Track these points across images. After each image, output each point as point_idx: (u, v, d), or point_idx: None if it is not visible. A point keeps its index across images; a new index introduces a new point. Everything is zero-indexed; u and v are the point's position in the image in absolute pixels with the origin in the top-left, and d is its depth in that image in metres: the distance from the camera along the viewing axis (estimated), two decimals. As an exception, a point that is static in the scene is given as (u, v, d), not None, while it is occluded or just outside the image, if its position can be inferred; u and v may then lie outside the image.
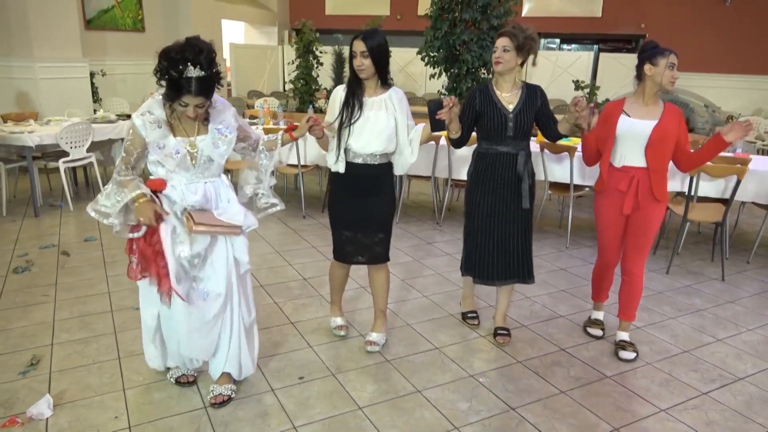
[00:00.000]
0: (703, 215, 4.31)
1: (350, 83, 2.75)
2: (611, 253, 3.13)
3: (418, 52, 6.78)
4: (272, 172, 2.63)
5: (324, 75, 8.65)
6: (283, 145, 2.62)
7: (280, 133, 2.63)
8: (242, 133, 2.51)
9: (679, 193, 4.70)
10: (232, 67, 10.98)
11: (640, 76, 2.86)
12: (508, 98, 2.91)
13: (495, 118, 2.89)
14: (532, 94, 2.94)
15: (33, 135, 5.13)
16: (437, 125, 2.66)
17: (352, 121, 2.73)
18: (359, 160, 2.79)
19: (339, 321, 3.23)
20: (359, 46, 2.64)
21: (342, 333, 3.18)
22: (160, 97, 2.27)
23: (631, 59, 10.20)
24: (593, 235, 5.12)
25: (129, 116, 6.19)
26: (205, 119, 2.35)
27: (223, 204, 2.43)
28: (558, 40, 12.52)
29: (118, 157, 2.32)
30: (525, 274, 3.08)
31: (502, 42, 2.82)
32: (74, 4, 7.31)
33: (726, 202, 4.21)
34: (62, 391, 2.59)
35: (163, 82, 2.16)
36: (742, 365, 3.02)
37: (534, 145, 4.36)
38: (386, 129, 2.74)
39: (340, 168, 2.80)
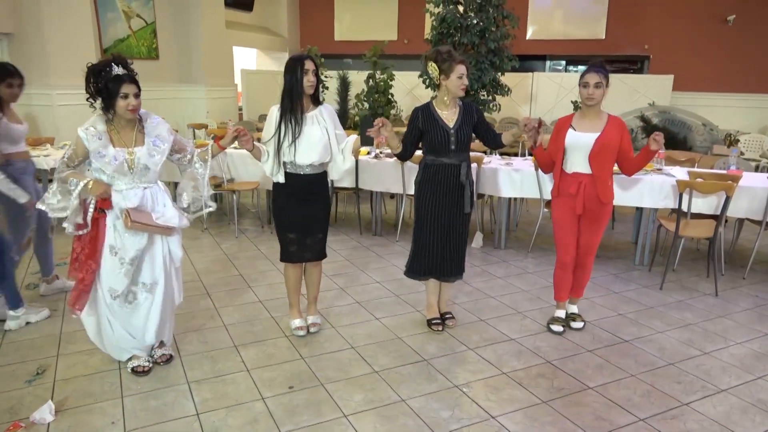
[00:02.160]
0: (695, 231, 4.37)
1: (293, 101, 3.00)
2: (568, 250, 3.41)
3: (420, 75, 6.96)
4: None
5: (330, 98, 8.88)
6: (213, 155, 2.97)
7: (211, 143, 3.00)
8: (178, 145, 2.93)
9: (674, 210, 4.77)
10: (244, 92, 11.30)
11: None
12: (448, 116, 3.23)
13: (438, 135, 3.21)
14: (469, 110, 3.28)
15: (49, 159, 5.38)
16: (366, 140, 3.06)
17: (296, 136, 3.03)
18: (299, 171, 3.11)
19: (297, 322, 3.43)
20: (312, 65, 3.00)
21: (301, 333, 3.40)
22: (101, 113, 2.70)
23: (635, 79, 10.35)
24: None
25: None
26: (142, 131, 2.77)
27: (160, 208, 2.83)
28: (564, 62, 12.68)
29: (59, 162, 2.73)
30: (457, 272, 3.46)
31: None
32: (91, 34, 7.65)
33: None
34: (65, 398, 2.73)
35: (99, 97, 2.65)
36: (726, 377, 3.07)
37: (523, 163, 4.46)
38: (321, 140, 3.08)
39: (281, 179, 3.13)
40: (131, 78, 2.67)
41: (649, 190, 4.62)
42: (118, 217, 2.72)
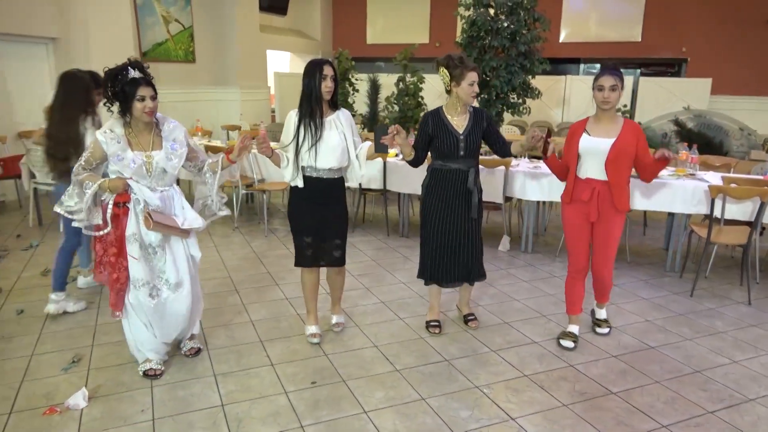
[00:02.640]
0: (728, 238, 4.27)
1: (312, 105, 3.01)
2: (579, 258, 3.31)
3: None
4: (221, 188, 3.13)
5: (359, 101, 8.96)
6: (223, 168, 2.98)
7: (221, 156, 3.00)
8: (191, 153, 2.96)
9: (707, 216, 4.67)
10: (276, 94, 11.49)
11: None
12: (458, 122, 3.22)
13: (447, 141, 3.20)
14: (479, 117, 3.27)
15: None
16: (380, 147, 3.04)
17: (315, 141, 3.03)
18: (316, 174, 3.11)
19: (313, 329, 3.39)
20: (330, 71, 3.00)
21: (315, 341, 3.34)
22: (119, 117, 2.74)
23: (671, 83, 10.14)
24: (619, 257, 5.11)
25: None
26: (159, 135, 2.81)
27: (178, 210, 2.88)
28: (598, 65, 12.47)
29: (75, 165, 2.75)
30: (476, 275, 3.44)
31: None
32: (131, 39, 7.90)
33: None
34: (98, 386, 2.85)
35: (116, 101, 2.68)
36: (756, 387, 3.00)
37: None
38: (339, 145, 3.08)
39: (300, 183, 3.13)
40: (147, 81, 2.70)
41: (682, 195, 4.53)
42: (139, 203, 2.74)
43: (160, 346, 2.99)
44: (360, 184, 5.58)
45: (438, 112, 3.27)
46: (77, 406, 2.66)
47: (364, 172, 3.25)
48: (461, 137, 3.19)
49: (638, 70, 12.27)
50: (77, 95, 3.48)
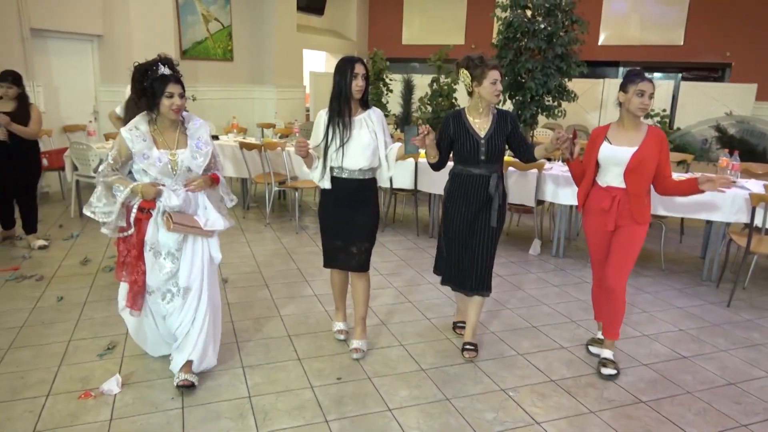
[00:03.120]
0: (769, 248, 4.14)
1: (341, 104, 2.93)
2: (597, 267, 3.22)
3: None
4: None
5: (393, 101, 8.98)
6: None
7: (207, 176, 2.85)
8: (211, 159, 2.85)
9: (747, 225, 4.53)
10: (311, 93, 11.61)
11: (620, 103, 2.97)
12: (480, 124, 3.08)
13: (468, 144, 3.06)
14: (503, 120, 3.11)
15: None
16: (411, 148, 2.89)
17: (344, 141, 2.94)
18: (345, 175, 3.02)
19: (340, 325, 3.41)
20: (362, 69, 2.92)
21: (341, 337, 3.38)
22: (145, 113, 2.71)
23: (714, 88, 9.86)
24: (655, 265, 5.01)
25: (216, 137, 6.78)
26: (184, 133, 2.77)
27: (200, 210, 2.80)
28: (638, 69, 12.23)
29: (103, 165, 2.70)
30: (483, 287, 3.20)
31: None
32: (172, 37, 8.10)
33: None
34: (131, 373, 2.94)
35: (144, 97, 2.63)
36: (794, 402, 2.90)
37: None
38: (370, 145, 2.99)
39: (327, 185, 3.05)
40: (177, 78, 2.65)
41: (721, 203, 4.41)
42: (160, 210, 2.67)
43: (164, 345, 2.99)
44: (391, 184, 5.60)
45: (460, 114, 3.13)
46: (111, 392, 2.75)
47: (393, 174, 3.14)
48: (482, 141, 3.04)
49: (679, 75, 11.97)
50: None
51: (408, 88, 8.71)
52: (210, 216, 2.80)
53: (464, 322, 3.44)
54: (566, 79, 6.50)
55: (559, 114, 6.72)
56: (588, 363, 3.23)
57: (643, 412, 2.76)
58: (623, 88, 2.92)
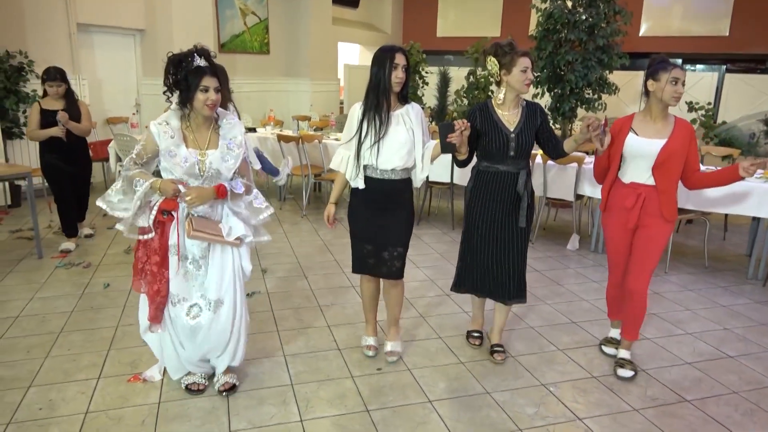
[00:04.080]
0: (821, 246, 3.99)
1: (379, 97, 2.70)
2: (617, 271, 3.06)
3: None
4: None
5: (429, 94, 8.93)
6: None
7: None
8: (243, 165, 2.61)
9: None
10: (346, 86, 11.64)
11: (647, 92, 2.81)
12: (509, 117, 2.86)
13: (497, 139, 2.84)
14: (533, 112, 2.89)
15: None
16: (447, 147, 2.65)
17: (380, 137, 2.72)
18: (378, 175, 2.79)
19: (370, 341, 3.15)
20: (403, 59, 2.67)
21: (371, 353, 3.10)
22: (177, 108, 2.48)
23: (761, 80, 9.52)
24: (698, 262, 4.90)
25: (253, 129, 6.87)
26: (217, 132, 2.54)
27: (224, 217, 2.57)
28: (680, 61, 11.88)
29: (127, 159, 2.51)
30: (517, 294, 3.02)
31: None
32: (211, 30, 8.23)
33: None
34: (176, 359, 3.02)
35: (177, 90, 2.43)
36: None
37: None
38: (406, 143, 2.75)
39: (360, 184, 2.82)
40: (213, 71, 2.42)
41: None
42: (184, 213, 2.50)
43: (193, 365, 2.73)
44: (427, 178, 5.58)
45: (487, 106, 2.90)
46: (153, 378, 2.82)
47: (426, 175, 2.89)
48: (512, 135, 2.83)
49: (723, 66, 11.59)
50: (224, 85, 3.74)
51: (444, 81, 8.66)
52: (232, 223, 2.56)
53: (480, 332, 3.32)
54: (607, 72, 6.37)
55: (599, 107, 6.60)
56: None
57: (687, 411, 2.71)
58: (653, 75, 2.74)
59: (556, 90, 6.55)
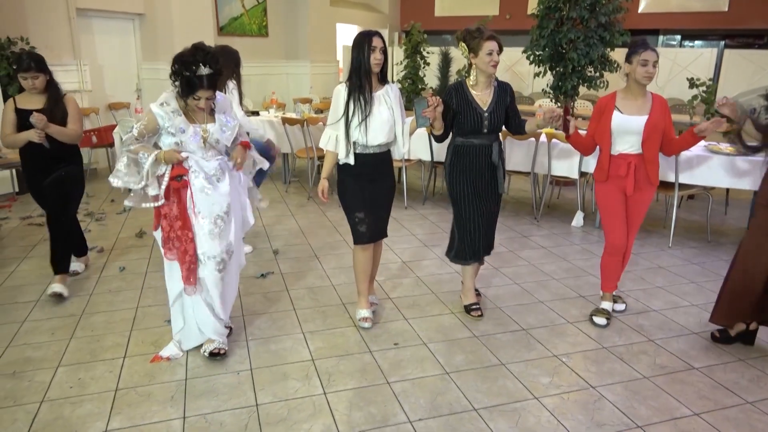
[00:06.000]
0: (822, 218, 4.07)
1: (361, 78, 2.91)
2: (618, 234, 3.27)
3: (524, 51, 6.86)
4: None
5: (430, 74, 8.92)
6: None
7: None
8: (238, 132, 2.91)
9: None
10: (344, 68, 11.61)
11: (627, 74, 3.13)
12: (482, 97, 3.12)
13: (471, 117, 3.11)
14: (504, 92, 3.17)
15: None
16: (422, 121, 2.97)
17: (366, 116, 2.94)
18: (366, 151, 3.04)
19: (364, 312, 3.28)
20: (380, 42, 2.88)
21: (367, 325, 3.24)
22: (174, 91, 2.70)
23: (761, 56, 9.53)
24: (700, 236, 4.98)
25: (255, 113, 6.88)
26: (211, 111, 2.78)
27: (227, 178, 2.83)
28: (678, 37, 11.87)
29: (127, 136, 2.69)
30: (489, 250, 3.43)
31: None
32: (210, 14, 8.19)
33: None
34: (198, 338, 3.09)
35: (177, 83, 2.63)
36: None
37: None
38: (389, 121, 3.00)
39: (351, 160, 3.03)
40: (212, 83, 2.61)
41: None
42: (198, 175, 2.72)
43: (221, 328, 2.92)
44: (432, 157, 5.64)
45: (462, 86, 3.15)
46: (176, 356, 2.90)
47: (407, 149, 3.14)
48: (485, 114, 3.10)
49: (722, 42, 11.59)
50: (228, 66, 4.00)
51: (445, 61, 8.65)
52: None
53: (478, 304, 3.45)
54: (609, 49, 6.38)
55: (602, 85, 6.62)
56: (638, 331, 3.28)
57: (695, 378, 2.81)
58: (627, 58, 3.07)
59: (558, 69, 6.55)
